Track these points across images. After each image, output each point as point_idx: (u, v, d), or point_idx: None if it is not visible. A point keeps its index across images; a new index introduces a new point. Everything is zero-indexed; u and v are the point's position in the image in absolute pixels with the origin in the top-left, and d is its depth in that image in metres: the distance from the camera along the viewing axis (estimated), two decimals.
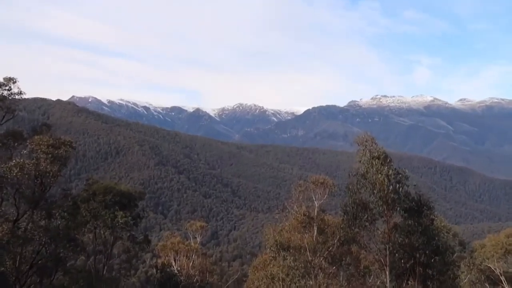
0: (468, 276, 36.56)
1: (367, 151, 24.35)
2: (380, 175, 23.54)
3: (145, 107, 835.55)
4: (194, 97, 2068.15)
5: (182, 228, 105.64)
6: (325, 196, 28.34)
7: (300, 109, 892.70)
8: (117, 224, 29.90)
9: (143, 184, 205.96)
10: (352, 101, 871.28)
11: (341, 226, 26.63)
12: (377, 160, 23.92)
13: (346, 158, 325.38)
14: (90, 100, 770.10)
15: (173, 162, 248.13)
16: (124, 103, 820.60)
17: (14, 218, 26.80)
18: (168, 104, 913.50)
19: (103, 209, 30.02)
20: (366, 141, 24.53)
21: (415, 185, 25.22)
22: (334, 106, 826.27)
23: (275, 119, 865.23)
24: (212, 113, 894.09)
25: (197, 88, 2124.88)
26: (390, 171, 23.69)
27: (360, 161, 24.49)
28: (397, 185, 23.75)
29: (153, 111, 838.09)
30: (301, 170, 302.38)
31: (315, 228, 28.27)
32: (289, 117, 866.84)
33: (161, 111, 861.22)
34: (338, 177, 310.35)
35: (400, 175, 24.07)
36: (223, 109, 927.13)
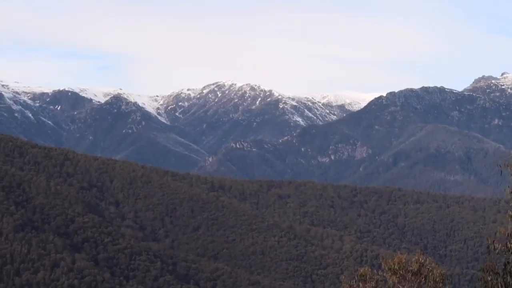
0: None
1: None
2: None
3: None
4: (110, 71, 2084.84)
5: None
6: None
7: (357, 98, 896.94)
8: None
9: None
10: (483, 77, 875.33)
11: None
12: None
13: (471, 210, 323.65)
14: None
15: (59, 221, 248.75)
16: None
17: None
18: (50, 85, 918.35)
19: None
20: None
21: None
22: (440, 90, 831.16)
23: (299, 120, 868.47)
24: (151, 106, 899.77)
25: (118, 49, 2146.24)
26: None
27: None
28: None
29: (11, 100, 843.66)
30: (362, 240, 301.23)
31: None
32: (334, 115, 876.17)
33: (29, 100, 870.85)
34: (452, 257, 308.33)
35: None
36: (177, 97, 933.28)
